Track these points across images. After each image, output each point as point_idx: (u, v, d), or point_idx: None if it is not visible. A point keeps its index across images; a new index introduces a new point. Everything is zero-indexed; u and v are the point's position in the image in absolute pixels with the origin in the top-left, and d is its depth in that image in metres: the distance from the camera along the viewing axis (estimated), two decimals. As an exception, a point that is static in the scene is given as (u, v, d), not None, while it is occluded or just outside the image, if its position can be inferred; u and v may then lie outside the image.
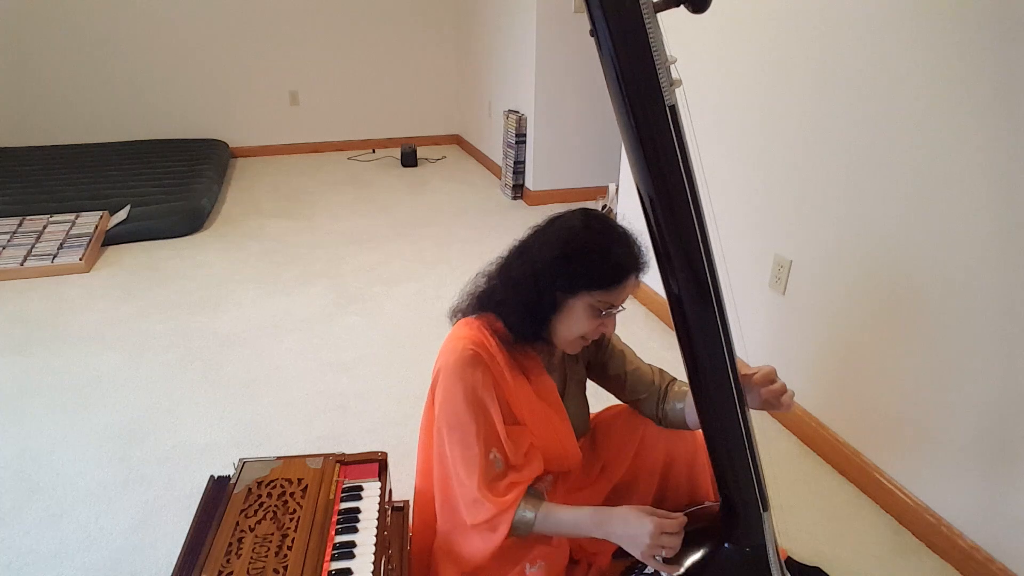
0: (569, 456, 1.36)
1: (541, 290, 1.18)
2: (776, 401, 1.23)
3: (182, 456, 1.96)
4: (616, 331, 1.44)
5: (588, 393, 1.46)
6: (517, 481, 1.23)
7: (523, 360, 1.29)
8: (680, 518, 1.18)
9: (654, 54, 0.91)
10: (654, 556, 1.16)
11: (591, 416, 1.51)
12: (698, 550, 1.29)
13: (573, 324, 1.20)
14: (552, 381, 1.33)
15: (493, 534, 1.21)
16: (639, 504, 1.40)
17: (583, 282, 1.16)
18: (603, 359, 1.42)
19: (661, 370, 1.43)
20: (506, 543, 1.26)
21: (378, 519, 1.20)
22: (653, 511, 1.19)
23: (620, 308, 1.22)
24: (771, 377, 1.23)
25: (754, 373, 1.23)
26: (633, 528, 1.16)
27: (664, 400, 1.39)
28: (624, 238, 1.19)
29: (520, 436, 1.27)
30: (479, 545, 1.23)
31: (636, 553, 1.16)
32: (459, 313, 1.31)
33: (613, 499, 1.42)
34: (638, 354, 1.45)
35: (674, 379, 1.41)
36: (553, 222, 1.23)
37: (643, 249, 1.20)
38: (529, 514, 1.20)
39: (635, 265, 1.18)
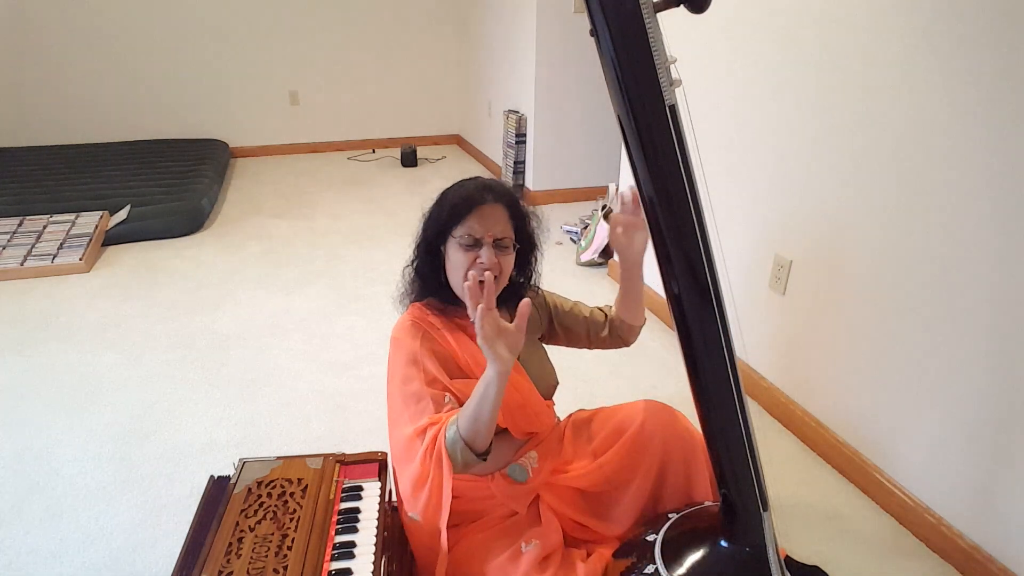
0: (531, 406, 1.40)
1: (421, 251, 1.38)
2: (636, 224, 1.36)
3: (182, 456, 1.96)
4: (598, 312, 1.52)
5: (588, 393, 1.46)
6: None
7: (462, 321, 1.39)
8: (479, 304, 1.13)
9: (654, 54, 0.92)
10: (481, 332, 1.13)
11: (587, 413, 1.54)
12: (698, 550, 1.29)
13: (453, 266, 1.32)
14: None
15: (433, 456, 1.20)
16: (634, 498, 1.41)
17: (441, 224, 1.33)
18: (564, 319, 1.54)
19: (605, 306, 1.59)
20: (504, 524, 1.28)
21: (378, 519, 1.20)
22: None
23: (498, 240, 1.30)
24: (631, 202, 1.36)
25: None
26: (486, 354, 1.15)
27: (614, 323, 1.54)
28: (462, 184, 1.37)
29: (470, 387, 1.30)
30: (426, 499, 1.21)
31: (489, 354, 1.15)
32: (401, 299, 1.48)
33: (609, 498, 1.42)
34: (636, 354, 1.48)
35: (610, 306, 1.57)
36: None
37: (489, 182, 1.36)
38: (453, 426, 1.20)
39: (474, 192, 1.32)
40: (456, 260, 1.31)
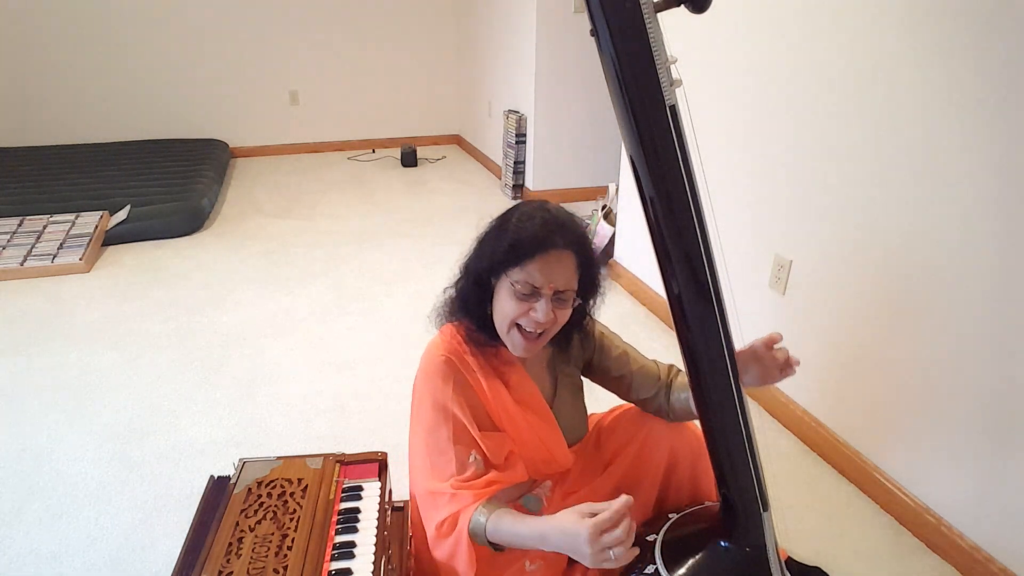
0: (557, 461, 1.34)
1: (468, 279, 1.22)
2: (774, 372, 1.23)
3: (182, 456, 1.96)
4: (617, 331, 1.45)
5: (592, 396, 1.45)
6: (495, 480, 1.20)
7: (500, 365, 1.27)
8: (617, 506, 0.96)
9: (654, 54, 0.92)
10: (604, 560, 0.96)
11: (597, 417, 1.51)
12: (698, 550, 1.29)
13: (501, 310, 1.18)
14: (534, 385, 1.31)
15: (454, 532, 1.14)
16: (641, 504, 1.40)
17: (497, 260, 1.16)
18: (605, 363, 1.39)
19: (669, 365, 1.40)
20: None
21: (378, 519, 1.20)
22: (591, 508, 0.99)
23: (559, 292, 1.14)
24: (774, 341, 1.22)
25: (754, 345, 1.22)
26: (570, 538, 0.98)
27: (670, 393, 1.35)
28: (529, 215, 1.15)
29: (499, 442, 1.25)
30: (449, 553, 1.17)
31: (586, 563, 0.97)
32: (437, 317, 1.31)
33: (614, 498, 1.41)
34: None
35: (679, 370, 1.38)
36: None
37: (562, 218, 1.16)
38: (482, 518, 1.11)
39: (542, 233, 1.12)
40: (506, 307, 1.16)
